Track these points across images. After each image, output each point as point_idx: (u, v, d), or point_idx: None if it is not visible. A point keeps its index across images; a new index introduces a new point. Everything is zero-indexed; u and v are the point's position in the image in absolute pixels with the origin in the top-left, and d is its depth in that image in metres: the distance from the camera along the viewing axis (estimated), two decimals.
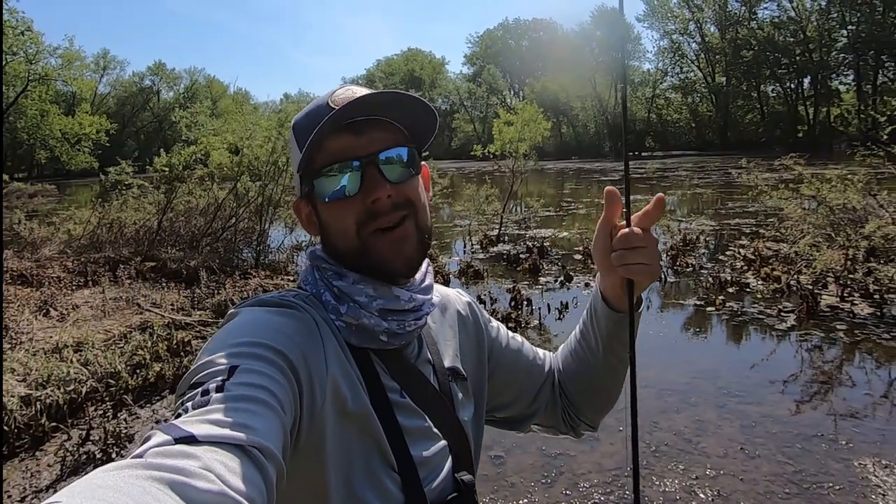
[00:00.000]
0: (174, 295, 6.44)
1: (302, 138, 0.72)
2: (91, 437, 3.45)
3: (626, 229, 0.79)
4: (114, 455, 3.31)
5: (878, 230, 5.91)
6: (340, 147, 0.70)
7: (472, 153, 12.32)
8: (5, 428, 3.48)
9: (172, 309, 5.85)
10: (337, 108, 0.69)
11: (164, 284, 6.96)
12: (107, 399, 3.99)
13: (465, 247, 10.15)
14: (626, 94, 0.84)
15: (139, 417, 3.82)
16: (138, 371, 4.28)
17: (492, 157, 11.50)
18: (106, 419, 3.75)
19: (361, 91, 0.72)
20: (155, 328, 5.04)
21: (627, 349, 0.87)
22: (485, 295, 6.41)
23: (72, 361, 4.22)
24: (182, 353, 4.61)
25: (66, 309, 5.87)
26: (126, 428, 3.59)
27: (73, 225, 9.12)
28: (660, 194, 0.82)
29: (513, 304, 6.15)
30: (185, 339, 4.80)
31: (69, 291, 6.63)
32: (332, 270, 0.74)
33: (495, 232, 10.64)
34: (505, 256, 8.91)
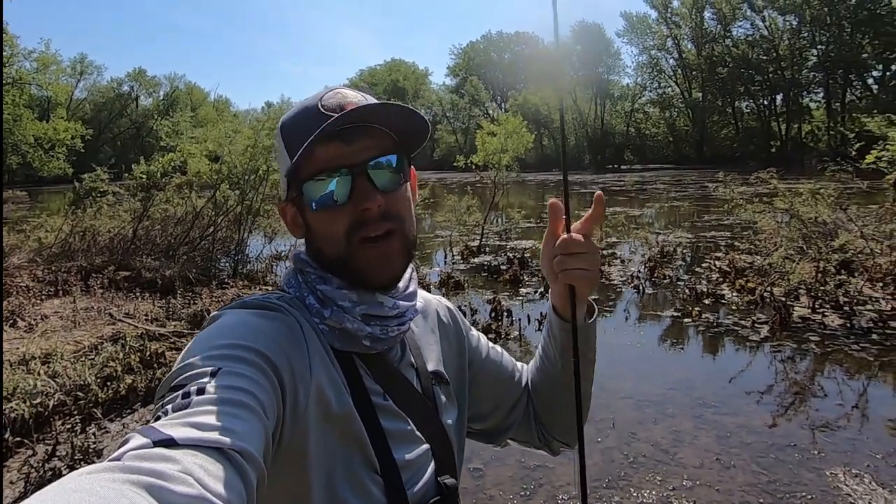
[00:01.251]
0: (148, 305, 6.30)
1: (290, 141, 0.72)
2: (57, 453, 3.34)
3: (566, 235, 0.81)
4: None
5: (847, 244, 6.10)
6: (330, 154, 0.69)
7: (454, 164, 12.38)
8: None
9: (146, 319, 5.72)
10: (328, 114, 0.69)
11: (138, 294, 6.81)
12: (75, 413, 3.87)
13: (446, 257, 10.16)
14: (563, 110, 0.86)
15: (108, 432, 3.71)
16: (109, 383, 4.15)
17: (474, 167, 11.57)
18: (73, 434, 3.63)
19: (351, 95, 0.72)
20: (128, 339, 4.92)
21: (588, 366, 0.88)
22: (465, 306, 6.41)
23: (39, 374, 4.09)
24: (155, 365, 4.50)
25: (35, 319, 5.70)
26: (95, 443, 3.48)
27: (44, 233, 8.88)
28: (598, 192, 0.83)
29: (493, 315, 6.16)
30: (159, 351, 4.69)
31: (38, 301, 6.44)
32: (315, 274, 0.73)
33: (476, 243, 10.68)
34: (486, 267, 8.93)
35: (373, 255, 0.70)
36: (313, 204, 0.71)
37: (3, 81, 32.66)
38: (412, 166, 0.79)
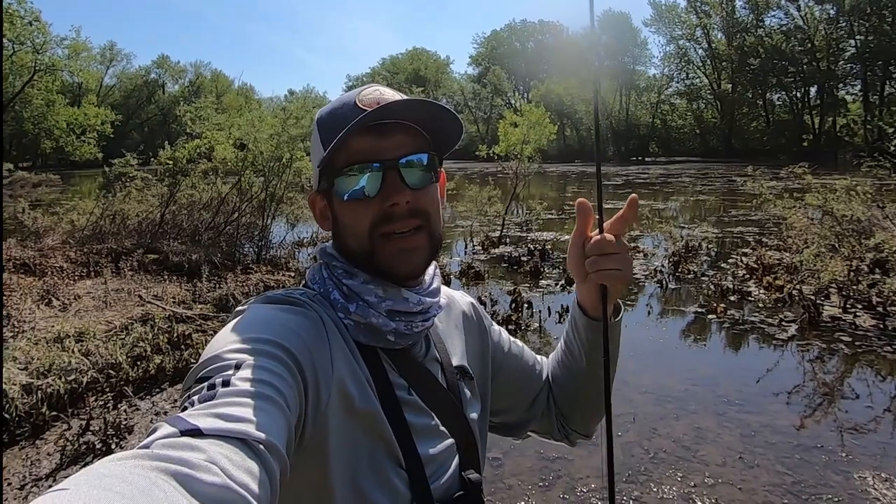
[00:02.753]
0: (175, 288, 6.45)
1: (326, 134, 0.73)
2: (91, 428, 3.46)
3: (599, 235, 0.81)
4: (113, 446, 3.32)
5: (885, 242, 5.91)
6: (364, 148, 0.70)
7: (476, 153, 12.31)
8: (6, 416, 3.49)
9: (174, 302, 5.86)
10: (364, 108, 0.70)
11: (165, 277, 6.97)
12: (107, 390, 4.00)
13: (466, 247, 10.15)
14: (597, 105, 0.85)
15: (139, 409, 3.83)
16: (139, 363, 4.28)
17: (496, 158, 11.50)
18: (106, 410, 3.76)
19: (389, 93, 0.73)
20: (156, 320, 5.05)
21: (612, 357, 0.89)
22: (485, 297, 6.41)
23: (73, 351, 4.23)
24: (182, 347, 4.61)
25: (69, 299, 5.88)
26: (126, 419, 3.59)
27: (76, 215, 9.12)
28: (633, 195, 0.83)
29: (513, 306, 6.15)
30: (186, 333, 4.80)
31: (72, 282, 6.64)
32: (342, 268, 0.74)
33: (497, 233, 10.64)
34: (506, 258, 8.90)
35: (396, 248, 0.71)
36: (344, 195, 0.72)
37: (37, 68, 33.46)
38: (442, 170, 0.79)
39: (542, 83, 56.29)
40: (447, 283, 7.19)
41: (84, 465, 2.89)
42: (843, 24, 43.83)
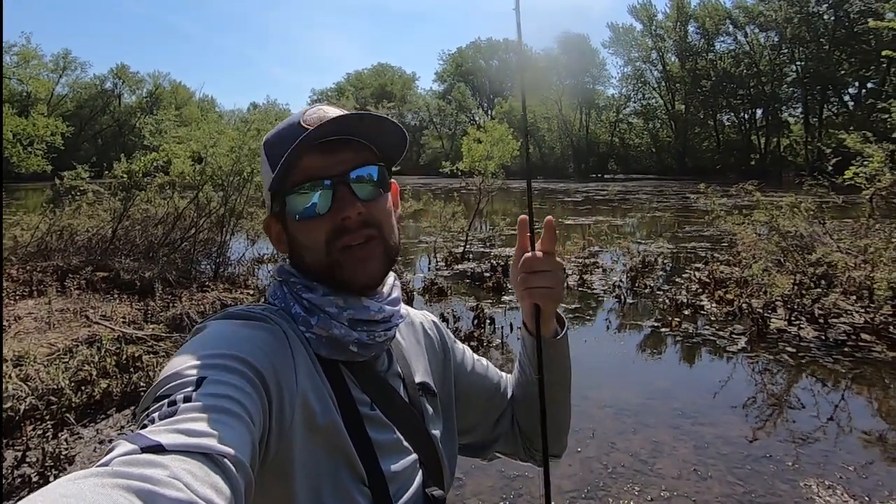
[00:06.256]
0: (126, 307, 6.19)
1: (273, 157, 0.73)
2: (27, 459, 3.25)
3: (529, 253, 0.84)
4: (51, 478, 3.12)
5: (823, 257, 6.24)
6: (313, 165, 0.71)
7: (440, 170, 12.40)
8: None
9: (124, 322, 5.61)
10: (308, 127, 0.70)
11: (115, 296, 6.68)
12: (47, 418, 3.77)
13: (429, 264, 10.15)
14: (525, 123, 0.89)
15: (81, 438, 3.63)
16: (83, 388, 4.06)
17: (460, 174, 11.60)
18: (45, 439, 3.54)
19: (333, 111, 0.74)
20: (104, 342, 4.81)
21: (560, 375, 0.90)
22: (448, 313, 6.41)
23: (10, 377, 3.98)
24: (132, 369, 4.41)
25: (8, 321, 5.55)
26: (67, 448, 3.39)
27: (19, 231, 8.67)
28: (548, 218, 0.87)
29: (476, 322, 6.16)
30: (136, 354, 4.60)
31: (12, 302, 6.28)
32: (301, 284, 0.74)
33: (461, 249, 10.69)
34: (469, 274, 8.94)
35: (353, 259, 0.71)
36: (296, 215, 0.72)
37: None
38: (392, 179, 0.80)
39: (506, 100, 57.39)
40: (410, 299, 7.16)
41: (18, 500, 2.71)
42: (786, 50, 46.63)
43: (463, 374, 0.94)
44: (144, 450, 0.44)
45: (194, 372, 0.55)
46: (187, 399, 0.51)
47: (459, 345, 0.97)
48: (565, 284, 7.14)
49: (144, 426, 0.49)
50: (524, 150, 0.94)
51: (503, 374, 1.01)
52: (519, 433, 0.98)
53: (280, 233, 0.77)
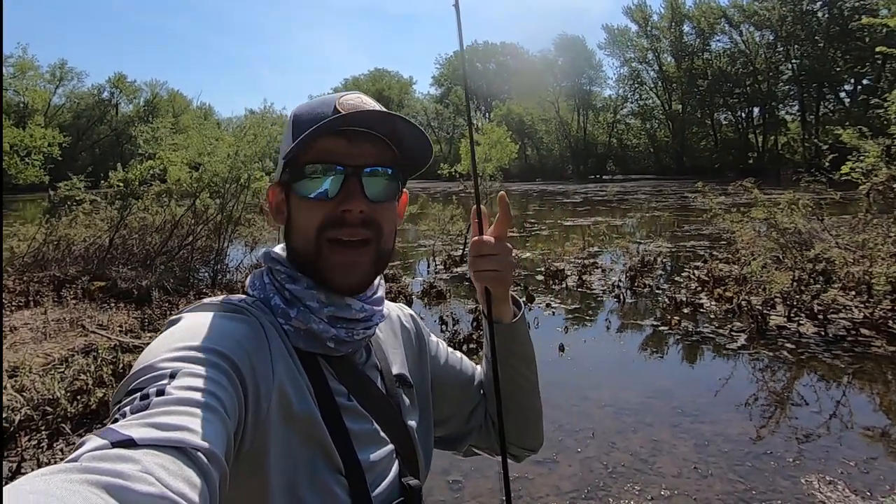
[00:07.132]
0: (123, 316, 6.17)
1: (298, 127, 0.73)
2: (22, 470, 3.22)
3: (477, 237, 0.85)
4: None
5: (822, 253, 6.23)
6: (331, 149, 0.70)
7: (438, 173, 12.39)
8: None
9: (121, 331, 5.59)
10: (344, 112, 0.70)
11: (112, 305, 6.66)
12: (42, 428, 3.74)
13: (428, 267, 10.13)
14: (470, 118, 0.92)
15: None
16: (79, 397, 4.04)
17: (458, 177, 11.59)
18: (40, 450, 3.52)
19: (370, 102, 0.74)
20: (100, 351, 4.79)
21: (524, 364, 0.93)
22: (447, 316, 6.39)
23: (5, 388, 3.95)
24: None
25: (4, 332, 5.53)
26: (62, 459, 3.36)
27: (16, 241, 8.65)
28: (501, 193, 0.88)
29: (475, 324, 6.14)
30: (133, 363, 4.58)
31: (8, 313, 6.26)
32: (285, 273, 0.74)
33: (459, 252, 10.67)
34: (468, 277, 8.89)
35: (340, 260, 0.71)
36: (301, 192, 0.72)
37: None
38: (405, 189, 0.80)
39: (504, 103, 57.46)
40: (409, 303, 7.14)
41: None
42: (781, 48, 46.73)
43: (437, 365, 0.94)
44: (115, 444, 0.43)
45: (168, 364, 0.54)
46: (160, 392, 0.50)
47: (434, 338, 0.98)
48: (564, 285, 7.04)
49: (116, 420, 0.48)
50: (470, 140, 0.96)
51: (478, 367, 1.01)
52: (492, 427, 0.97)
53: (282, 203, 0.76)
